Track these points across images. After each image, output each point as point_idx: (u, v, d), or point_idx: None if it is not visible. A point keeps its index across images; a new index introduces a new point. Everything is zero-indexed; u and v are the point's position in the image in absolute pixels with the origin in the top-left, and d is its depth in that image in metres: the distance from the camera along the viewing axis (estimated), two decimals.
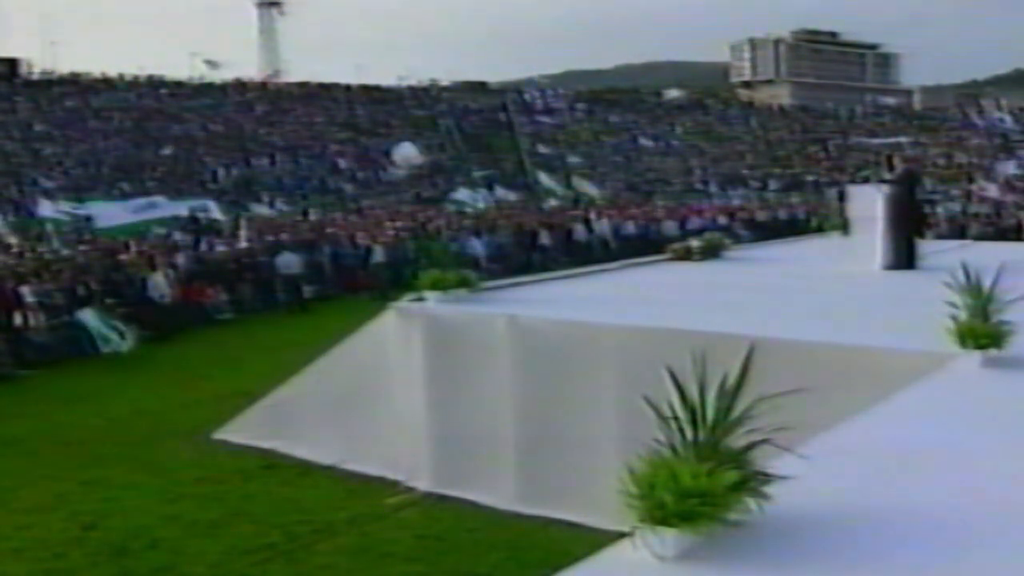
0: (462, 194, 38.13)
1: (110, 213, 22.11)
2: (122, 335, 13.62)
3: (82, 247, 18.77)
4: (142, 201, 23.48)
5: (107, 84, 49.32)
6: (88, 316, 13.62)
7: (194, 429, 9.23)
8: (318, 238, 21.31)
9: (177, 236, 21.47)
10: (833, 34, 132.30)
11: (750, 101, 74.56)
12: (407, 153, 44.23)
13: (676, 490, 2.34)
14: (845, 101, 77.41)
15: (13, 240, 20.70)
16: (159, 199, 24.52)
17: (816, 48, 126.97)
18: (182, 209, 24.12)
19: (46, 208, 24.38)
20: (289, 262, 18.21)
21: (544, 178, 44.01)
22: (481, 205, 34.83)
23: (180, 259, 17.62)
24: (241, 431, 8.79)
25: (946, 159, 52.52)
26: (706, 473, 2.41)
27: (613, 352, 6.48)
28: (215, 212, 25.30)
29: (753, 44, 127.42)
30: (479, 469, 7.18)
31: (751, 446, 2.57)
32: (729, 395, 2.58)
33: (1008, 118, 61.16)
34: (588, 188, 42.24)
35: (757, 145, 57.08)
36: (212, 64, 54.70)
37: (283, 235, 21.27)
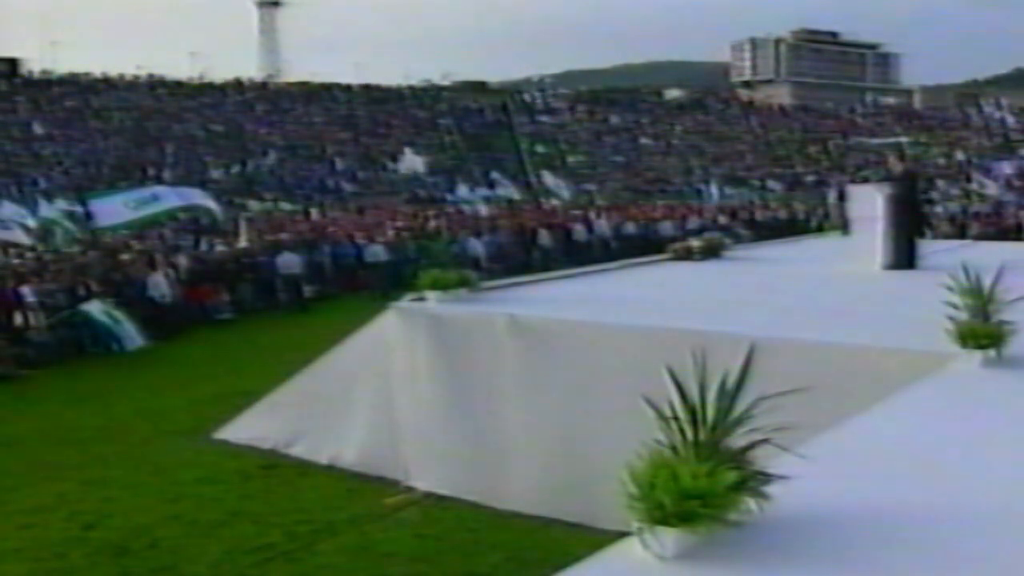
0: (462, 192, 38.14)
1: (111, 209, 22.04)
2: (130, 331, 13.71)
3: (80, 247, 18.76)
4: (146, 193, 23.42)
5: (107, 84, 49.32)
6: (95, 308, 13.67)
7: (194, 429, 9.23)
8: (318, 238, 21.32)
9: (168, 233, 21.45)
10: (833, 34, 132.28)
11: (750, 101, 74.58)
12: (411, 161, 44.48)
13: (676, 490, 2.34)
14: (845, 101, 77.48)
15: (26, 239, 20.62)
16: (160, 189, 24.45)
17: (816, 48, 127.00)
18: (183, 199, 24.03)
19: (45, 208, 24.33)
20: (290, 262, 18.21)
21: (548, 178, 44.07)
22: (481, 204, 34.83)
23: (180, 259, 17.62)
24: (241, 431, 8.79)
25: (946, 159, 52.54)
26: (706, 473, 2.40)
27: (613, 351, 6.47)
28: (212, 204, 25.23)
29: (753, 44, 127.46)
30: (479, 468, 7.18)
31: (751, 446, 2.57)
32: (729, 395, 2.57)
33: (1009, 117, 61.19)
34: (554, 183, 42.37)
35: (757, 145, 57.11)
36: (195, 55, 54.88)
37: (283, 235, 21.27)
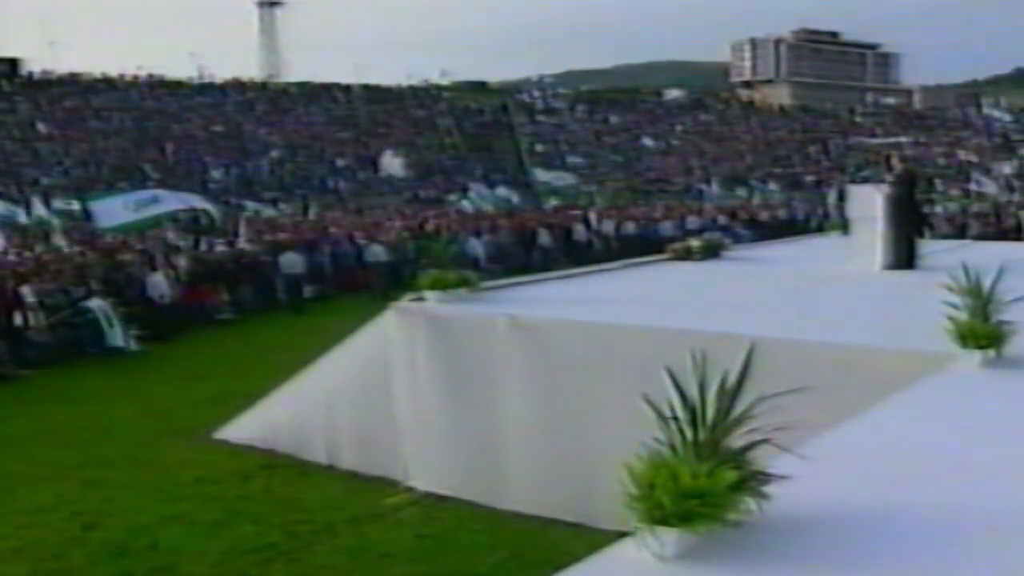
0: (474, 191, 38.26)
1: (111, 211, 22.08)
2: (129, 335, 13.76)
3: (81, 247, 18.77)
4: (145, 195, 23.45)
5: (107, 84, 49.32)
6: (96, 305, 13.70)
7: (194, 429, 9.23)
8: (318, 238, 21.32)
9: (171, 235, 21.48)
10: (833, 34, 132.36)
11: (750, 101, 74.62)
12: (391, 164, 44.68)
13: (676, 490, 2.34)
14: (845, 101, 77.56)
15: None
16: (160, 192, 24.51)
17: (816, 48, 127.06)
18: (183, 203, 24.06)
19: (39, 207, 24.41)
20: (292, 262, 18.23)
21: (542, 174, 44.17)
22: (489, 206, 34.91)
23: (180, 260, 17.61)
24: (241, 431, 8.79)
25: (946, 159, 52.55)
26: (706, 473, 2.40)
27: (613, 351, 6.48)
28: (211, 207, 25.26)
29: (753, 44, 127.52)
30: (479, 468, 7.18)
31: (751, 446, 2.57)
32: (729, 395, 2.57)
33: (1007, 117, 61.21)
34: (552, 176, 42.57)
35: (757, 145, 57.11)
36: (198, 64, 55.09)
37: (282, 235, 21.28)
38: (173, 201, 23.49)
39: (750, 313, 7.20)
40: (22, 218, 23.75)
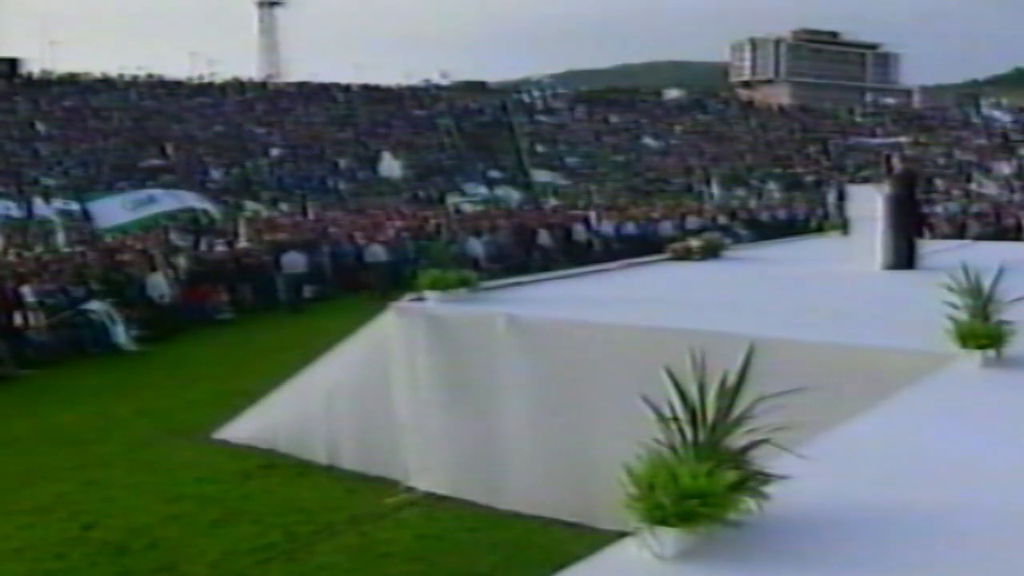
0: (468, 191, 38.34)
1: (109, 211, 22.08)
2: (129, 335, 13.81)
3: (81, 247, 18.78)
4: (142, 195, 23.46)
5: (107, 84, 49.28)
6: (97, 306, 13.74)
7: (194, 429, 9.23)
8: (318, 238, 21.32)
9: (173, 235, 21.49)
10: (833, 34, 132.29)
11: (750, 101, 74.57)
12: (389, 166, 44.82)
13: (675, 491, 2.34)
14: (845, 101, 77.53)
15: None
16: (157, 192, 24.51)
17: (816, 48, 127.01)
18: (180, 202, 24.05)
19: (41, 207, 24.41)
20: (295, 261, 18.23)
21: (540, 175, 44.21)
22: (480, 206, 34.97)
23: (180, 260, 17.62)
24: (241, 431, 8.79)
25: (946, 159, 52.54)
26: (706, 473, 2.41)
27: (613, 351, 6.48)
28: (209, 206, 25.25)
29: (753, 44, 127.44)
30: (479, 468, 7.19)
31: (751, 446, 2.57)
32: (729, 395, 2.58)
33: (1007, 117, 61.21)
34: (547, 178, 42.73)
35: (757, 145, 57.08)
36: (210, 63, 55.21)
37: (282, 235, 21.28)
38: (170, 200, 23.48)
39: (750, 313, 7.20)
40: (22, 215, 23.77)
